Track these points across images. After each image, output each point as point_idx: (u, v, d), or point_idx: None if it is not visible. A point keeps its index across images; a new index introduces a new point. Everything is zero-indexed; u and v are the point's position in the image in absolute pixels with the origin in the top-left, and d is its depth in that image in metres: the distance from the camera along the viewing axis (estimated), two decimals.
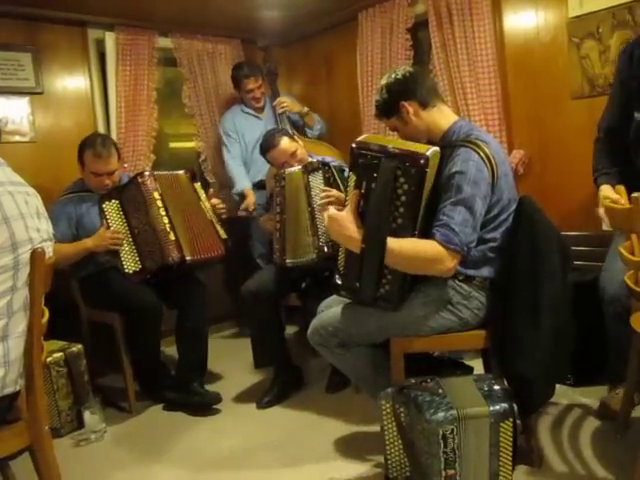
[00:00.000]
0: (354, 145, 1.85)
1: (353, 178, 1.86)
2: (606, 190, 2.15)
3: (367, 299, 1.90)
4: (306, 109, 3.74)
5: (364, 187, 1.82)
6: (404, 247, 1.76)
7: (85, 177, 2.82)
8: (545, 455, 2.03)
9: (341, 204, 2.02)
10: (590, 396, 2.45)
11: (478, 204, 1.80)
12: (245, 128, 3.67)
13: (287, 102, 3.69)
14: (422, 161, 1.73)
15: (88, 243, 2.67)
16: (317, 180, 2.64)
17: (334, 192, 2.37)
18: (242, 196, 3.55)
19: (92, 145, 2.73)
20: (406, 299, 1.92)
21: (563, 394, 2.49)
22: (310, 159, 2.93)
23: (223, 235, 2.89)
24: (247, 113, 3.74)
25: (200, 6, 3.43)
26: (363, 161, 1.82)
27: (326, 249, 2.57)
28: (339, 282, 1.98)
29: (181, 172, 2.92)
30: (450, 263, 1.78)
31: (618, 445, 2.05)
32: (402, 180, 1.75)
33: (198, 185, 2.96)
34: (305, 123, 3.76)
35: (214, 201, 2.97)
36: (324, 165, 2.67)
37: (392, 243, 1.75)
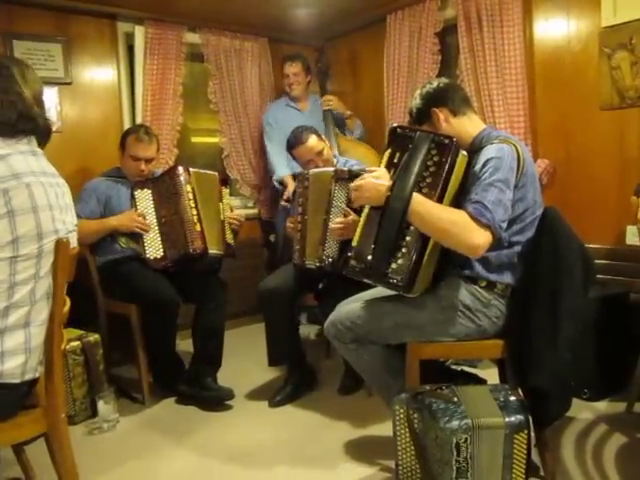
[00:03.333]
0: (395, 124, 2.03)
1: (387, 153, 1.93)
2: None
3: (377, 271, 1.86)
4: (350, 112, 3.84)
5: (397, 158, 1.91)
6: (433, 205, 1.79)
7: (123, 163, 2.92)
8: (559, 469, 2.00)
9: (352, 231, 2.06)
10: (612, 411, 2.43)
11: (511, 188, 1.82)
12: (286, 120, 3.71)
13: (333, 100, 3.79)
14: (455, 138, 1.84)
15: (113, 221, 2.76)
16: (342, 192, 2.55)
17: (351, 218, 2.41)
18: (282, 184, 3.69)
19: (136, 131, 2.90)
20: (416, 283, 1.87)
21: (583, 409, 2.46)
22: (335, 159, 2.92)
23: (230, 240, 2.92)
24: (290, 107, 3.86)
25: (230, 3, 3.45)
26: (400, 132, 1.93)
27: (326, 263, 2.54)
28: (350, 254, 1.94)
29: (215, 173, 2.99)
30: (478, 238, 1.75)
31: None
32: (434, 152, 1.85)
33: (226, 191, 3.00)
34: (347, 125, 3.85)
35: (236, 213, 3.03)
36: (354, 177, 2.50)
37: (420, 197, 1.80)
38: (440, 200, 1.82)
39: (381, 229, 1.84)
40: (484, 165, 1.83)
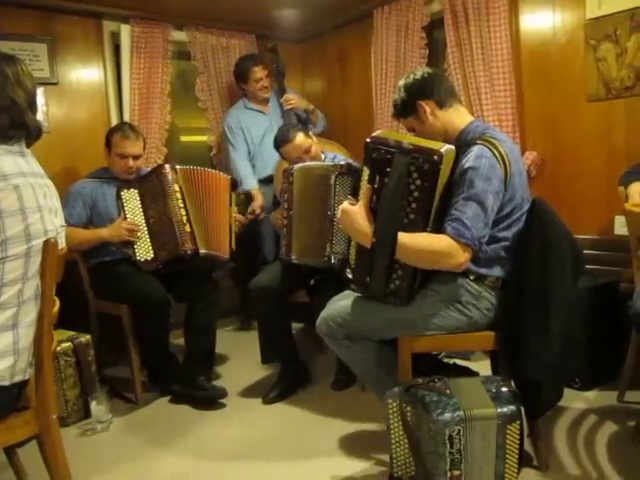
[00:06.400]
0: (368, 140, 1.86)
1: (367, 172, 1.87)
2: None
3: (377, 294, 1.91)
4: (312, 106, 3.78)
5: (377, 182, 1.83)
6: (415, 241, 1.77)
7: (110, 162, 2.87)
8: (552, 459, 2.01)
9: None
10: (603, 400, 2.45)
11: (490, 200, 1.79)
12: (250, 124, 3.68)
13: (294, 99, 3.72)
14: (435, 157, 1.74)
15: (104, 233, 2.71)
16: (343, 187, 2.48)
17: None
18: (248, 196, 3.56)
19: (121, 129, 2.86)
20: (415, 296, 1.92)
21: (575, 398, 2.48)
22: (322, 155, 2.92)
23: (233, 245, 2.91)
24: (251, 109, 3.75)
25: (216, 0, 3.43)
26: (377, 155, 1.82)
27: (334, 261, 2.49)
28: (350, 276, 1.98)
29: (225, 175, 2.97)
30: (461, 258, 1.77)
31: (633, 451, 2.04)
32: (415, 175, 1.76)
33: (234, 194, 2.99)
34: (310, 120, 3.80)
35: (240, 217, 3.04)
36: (354, 172, 2.44)
37: (403, 237, 1.76)
38: (427, 221, 1.79)
39: (374, 260, 1.84)
40: (464, 173, 1.81)
